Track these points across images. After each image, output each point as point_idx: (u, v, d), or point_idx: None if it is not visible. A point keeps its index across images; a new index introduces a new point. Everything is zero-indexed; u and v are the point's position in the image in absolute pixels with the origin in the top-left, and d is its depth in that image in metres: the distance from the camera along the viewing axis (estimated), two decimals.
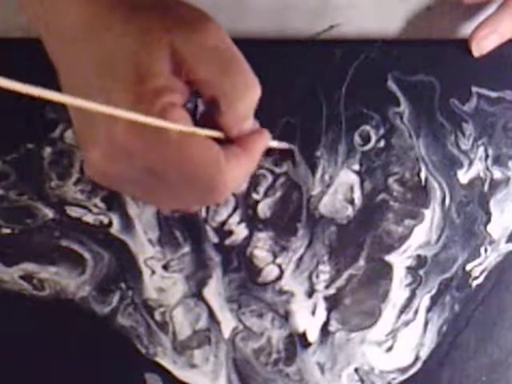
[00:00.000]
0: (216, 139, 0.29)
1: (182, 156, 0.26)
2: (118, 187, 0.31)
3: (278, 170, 0.41)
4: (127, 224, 0.40)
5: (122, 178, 0.28)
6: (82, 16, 0.27)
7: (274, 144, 0.39)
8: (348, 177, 0.41)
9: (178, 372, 0.40)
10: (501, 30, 0.40)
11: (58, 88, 0.26)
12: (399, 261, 0.41)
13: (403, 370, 0.41)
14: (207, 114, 0.29)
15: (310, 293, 0.41)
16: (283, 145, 0.40)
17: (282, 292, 0.41)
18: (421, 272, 0.41)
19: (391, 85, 0.42)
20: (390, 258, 0.41)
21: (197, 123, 0.28)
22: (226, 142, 0.30)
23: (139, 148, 0.26)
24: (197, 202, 0.32)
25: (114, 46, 0.26)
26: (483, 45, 0.41)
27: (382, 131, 0.41)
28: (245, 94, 0.28)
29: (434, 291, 0.41)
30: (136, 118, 0.24)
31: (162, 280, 0.40)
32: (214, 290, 0.41)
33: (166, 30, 0.27)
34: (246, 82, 0.28)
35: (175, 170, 0.27)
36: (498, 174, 0.42)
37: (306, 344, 0.41)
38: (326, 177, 0.41)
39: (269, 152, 0.41)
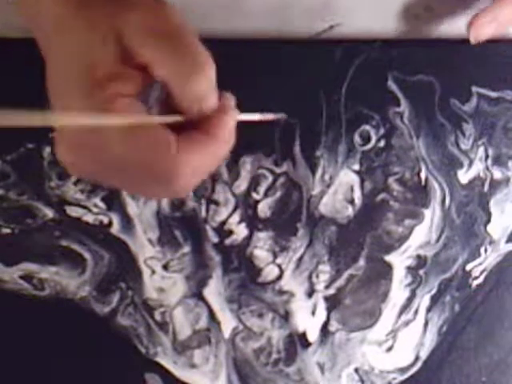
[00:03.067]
0: (181, 127, 0.27)
1: (129, 148, 0.26)
2: (91, 178, 0.31)
3: (278, 170, 0.41)
4: (127, 224, 0.40)
5: (88, 169, 0.28)
6: (51, 14, 0.27)
7: (254, 117, 0.33)
8: (348, 177, 0.41)
9: (178, 372, 0.40)
10: (500, 18, 0.40)
11: None
12: (399, 261, 0.41)
13: (403, 370, 0.41)
14: (166, 100, 0.28)
15: (310, 293, 0.41)
16: (267, 116, 0.35)
17: (281, 292, 0.41)
18: (421, 272, 0.41)
19: (391, 85, 0.42)
20: (390, 257, 0.41)
21: (160, 110, 0.27)
22: (191, 128, 0.27)
23: (91, 145, 0.26)
24: (162, 194, 0.31)
25: (70, 43, 0.27)
26: (481, 32, 0.40)
27: (382, 131, 0.41)
28: (195, 73, 0.26)
29: (434, 291, 0.41)
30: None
31: (162, 280, 0.40)
32: (214, 290, 0.41)
33: (108, 15, 0.26)
34: (195, 60, 0.26)
35: (129, 164, 0.26)
36: (497, 174, 0.42)
37: (306, 344, 0.41)
38: (326, 177, 0.41)
39: (269, 151, 0.41)
